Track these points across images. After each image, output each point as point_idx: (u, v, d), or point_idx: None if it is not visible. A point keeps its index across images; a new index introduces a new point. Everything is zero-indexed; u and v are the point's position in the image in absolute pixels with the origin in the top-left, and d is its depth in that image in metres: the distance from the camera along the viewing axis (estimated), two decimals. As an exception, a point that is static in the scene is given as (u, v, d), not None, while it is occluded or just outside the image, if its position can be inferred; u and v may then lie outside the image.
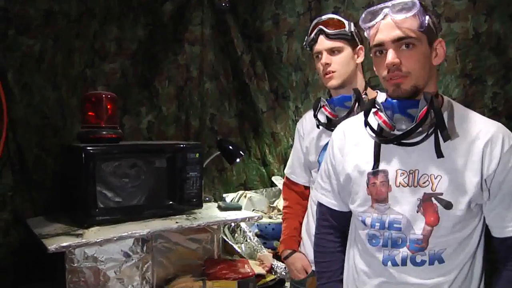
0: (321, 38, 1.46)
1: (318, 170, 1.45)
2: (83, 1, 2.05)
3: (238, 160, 2.17)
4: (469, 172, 0.99)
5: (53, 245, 1.47)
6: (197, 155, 1.88)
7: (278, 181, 2.47)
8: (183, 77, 2.50)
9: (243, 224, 2.18)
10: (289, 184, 1.74)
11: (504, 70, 1.73)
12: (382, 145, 1.05)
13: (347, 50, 1.46)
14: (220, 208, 2.06)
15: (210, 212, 2.00)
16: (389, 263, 1.06)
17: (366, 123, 1.05)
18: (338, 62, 1.45)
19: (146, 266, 1.79)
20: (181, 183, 1.86)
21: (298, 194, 1.70)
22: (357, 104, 1.36)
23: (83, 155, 1.63)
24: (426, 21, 0.99)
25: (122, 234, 1.63)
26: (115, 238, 1.61)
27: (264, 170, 2.66)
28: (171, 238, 1.87)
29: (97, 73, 2.15)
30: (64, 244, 1.50)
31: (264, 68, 2.57)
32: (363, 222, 1.11)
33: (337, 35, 1.44)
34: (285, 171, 1.77)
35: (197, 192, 1.89)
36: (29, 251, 1.79)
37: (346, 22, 1.47)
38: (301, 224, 1.69)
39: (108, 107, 1.79)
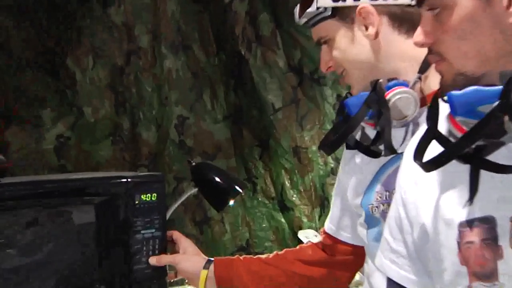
0: None
1: (364, 221, 1.08)
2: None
3: (232, 202, 1.48)
4: None
5: None
6: (154, 196, 1.42)
7: (311, 238, 1.96)
8: (121, 49, 2.03)
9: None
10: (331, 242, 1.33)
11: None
12: (484, 172, 0.66)
13: None
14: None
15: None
16: None
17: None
18: None
19: None
20: (124, 253, 1.32)
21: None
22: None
23: None
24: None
25: None
26: None
27: (282, 220, 2.11)
28: None
29: None
30: None
31: (275, 26, 2.03)
32: None
33: None
34: (325, 224, 1.38)
35: (157, 269, 1.35)
36: None
37: None
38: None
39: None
